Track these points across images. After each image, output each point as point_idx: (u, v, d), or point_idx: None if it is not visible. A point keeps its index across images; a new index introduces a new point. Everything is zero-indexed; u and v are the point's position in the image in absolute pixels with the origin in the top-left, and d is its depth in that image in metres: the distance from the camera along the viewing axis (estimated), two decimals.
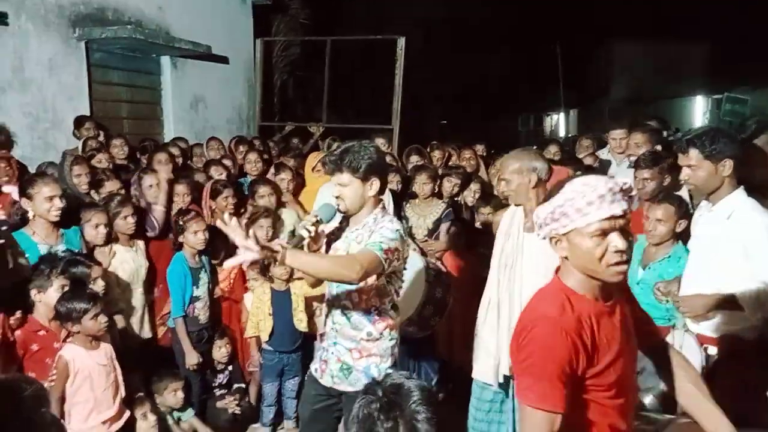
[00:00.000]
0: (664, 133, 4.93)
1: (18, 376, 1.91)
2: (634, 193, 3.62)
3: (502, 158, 2.95)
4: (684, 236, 3.00)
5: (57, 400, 2.72)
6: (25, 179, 3.38)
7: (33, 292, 2.85)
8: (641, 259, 3.14)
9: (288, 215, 4.35)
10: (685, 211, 3.03)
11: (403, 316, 3.63)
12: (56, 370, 2.78)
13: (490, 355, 2.91)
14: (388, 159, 5.35)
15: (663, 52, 20.64)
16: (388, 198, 4.22)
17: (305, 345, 3.81)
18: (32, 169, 4.86)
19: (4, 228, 2.52)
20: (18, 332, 2.81)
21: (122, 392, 3.02)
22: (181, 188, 4.17)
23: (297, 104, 11.42)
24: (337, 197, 2.42)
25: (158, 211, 3.94)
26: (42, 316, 2.88)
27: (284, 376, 3.84)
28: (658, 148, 3.95)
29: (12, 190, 3.37)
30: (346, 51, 10.59)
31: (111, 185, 3.99)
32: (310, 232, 2.34)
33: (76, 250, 3.21)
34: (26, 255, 2.96)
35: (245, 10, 8.90)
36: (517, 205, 2.91)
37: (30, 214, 3.17)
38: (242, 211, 4.33)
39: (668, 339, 2.70)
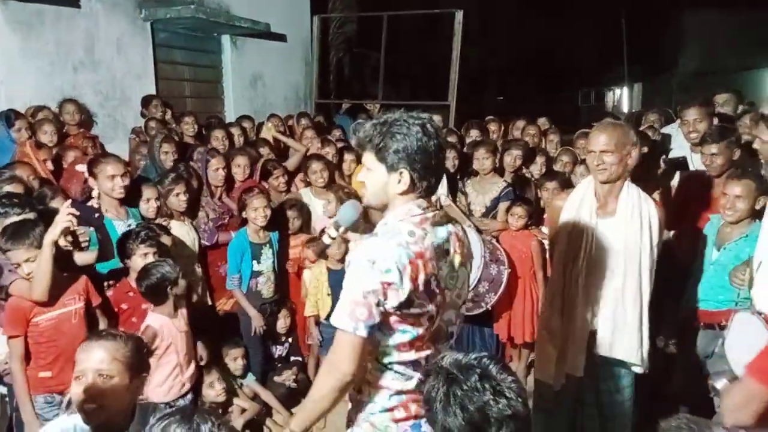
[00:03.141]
0: (739, 108, 4.68)
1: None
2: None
3: (597, 129, 2.62)
4: (762, 215, 2.85)
5: None
6: (89, 159, 3.53)
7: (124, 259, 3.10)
8: (715, 239, 3.01)
9: (310, 199, 4.32)
10: (765, 188, 2.88)
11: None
12: (145, 337, 2.93)
13: (551, 360, 2.69)
14: (450, 138, 5.25)
15: (738, 20, 19.38)
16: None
17: None
18: (109, 147, 5.12)
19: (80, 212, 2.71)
20: (111, 292, 3.08)
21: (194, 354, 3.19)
22: (241, 160, 4.29)
23: (353, 81, 11.43)
24: (363, 182, 1.86)
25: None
26: (132, 280, 3.08)
27: None
28: (716, 121, 3.76)
29: (84, 169, 3.54)
30: (402, 27, 10.47)
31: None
32: (333, 238, 2.02)
33: (149, 221, 3.40)
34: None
35: None
36: (605, 182, 2.57)
37: (95, 193, 3.33)
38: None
39: (730, 322, 2.60)
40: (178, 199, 3.67)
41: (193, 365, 3.13)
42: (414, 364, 1.76)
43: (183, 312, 3.10)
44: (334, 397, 1.68)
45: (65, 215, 2.48)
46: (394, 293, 1.62)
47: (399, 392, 1.76)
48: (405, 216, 1.72)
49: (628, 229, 2.54)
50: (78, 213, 2.54)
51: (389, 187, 1.74)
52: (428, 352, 1.77)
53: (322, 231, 2.04)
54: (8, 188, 3.12)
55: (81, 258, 2.84)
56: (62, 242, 2.78)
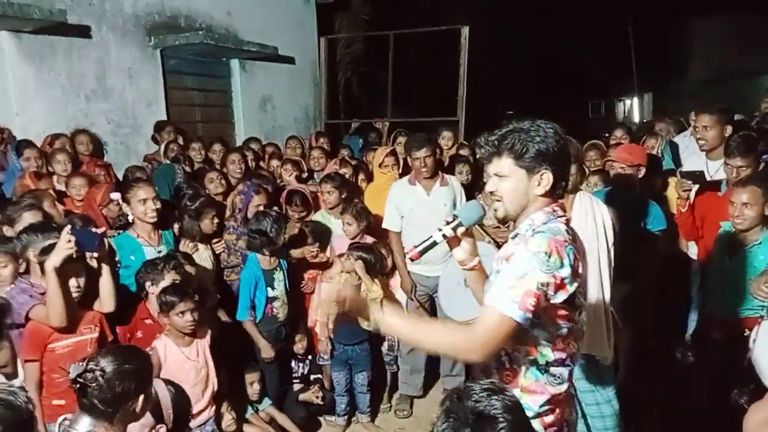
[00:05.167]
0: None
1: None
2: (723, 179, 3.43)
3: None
4: None
5: None
6: (122, 183, 3.58)
7: (147, 284, 3.09)
8: (727, 247, 2.95)
9: (327, 220, 4.31)
10: None
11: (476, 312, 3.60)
12: (153, 359, 2.93)
13: None
14: (462, 151, 5.31)
15: (747, 26, 19.25)
16: (459, 191, 4.18)
17: (372, 340, 3.90)
18: (118, 174, 5.16)
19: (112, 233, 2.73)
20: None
21: (214, 386, 3.12)
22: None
23: (362, 101, 11.50)
24: (492, 193, 1.81)
25: None
26: (153, 308, 3.08)
27: (353, 369, 3.90)
28: (729, 128, 3.70)
29: (118, 197, 3.60)
30: (409, 44, 10.55)
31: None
32: (446, 237, 1.89)
33: (175, 250, 3.42)
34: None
35: (309, 9, 9.04)
36: (569, 192, 2.75)
37: (130, 218, 3.36)
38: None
39: (754, 330, 2.55)
40: (205, 224, 3.72)
41: (207, 398, 3.08)
42: (564, 365, 1.77)
43: (200, 341, 3.07)
44: (438, 350, 1.82)
45: (65, 242, 2.47)
46: (564, 288, 1.65)
47: (552, 396, 1.76)
48: (551, 216, 1.74)
49: (584, 233, 2.69)
50: (74, 238, 2.49)
51: (530, 190, 1.74)
52: (574, 350, 1.79)
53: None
54: (27, 215, 3.17)
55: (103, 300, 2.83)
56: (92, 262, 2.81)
